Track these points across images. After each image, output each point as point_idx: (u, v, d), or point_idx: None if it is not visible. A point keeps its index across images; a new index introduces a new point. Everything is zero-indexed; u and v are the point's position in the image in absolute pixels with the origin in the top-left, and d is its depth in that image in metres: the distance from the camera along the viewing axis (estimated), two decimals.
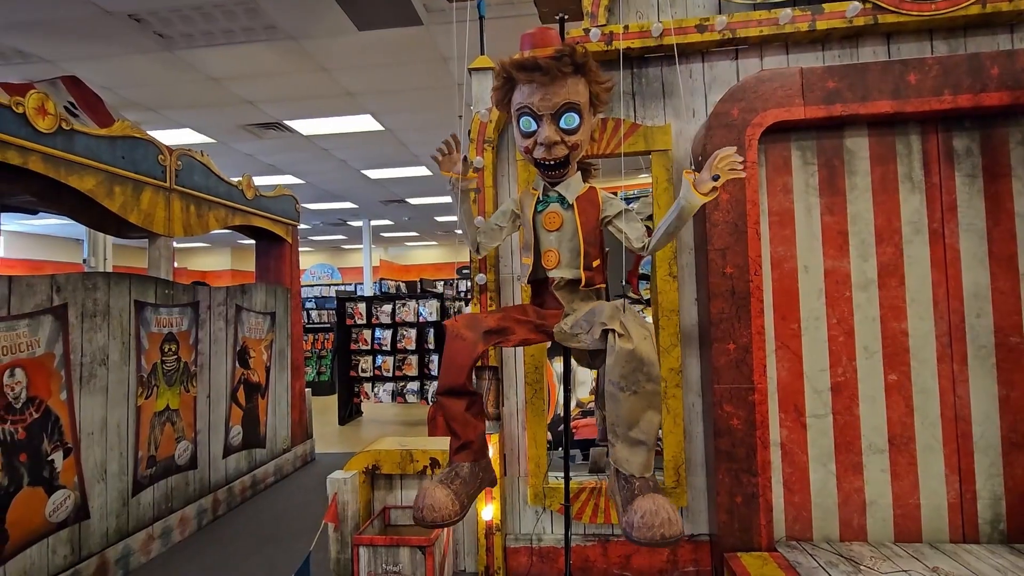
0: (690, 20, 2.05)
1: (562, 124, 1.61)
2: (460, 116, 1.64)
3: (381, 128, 6.46)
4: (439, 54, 4.66)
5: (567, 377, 1.91)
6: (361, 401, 6.33)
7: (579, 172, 1.79)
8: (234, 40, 4.37)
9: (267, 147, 7.05)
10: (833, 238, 1.97)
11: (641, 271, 2.79)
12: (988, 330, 1.92)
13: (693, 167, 1.51)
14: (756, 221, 1.91)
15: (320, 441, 5.29)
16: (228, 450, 3.52)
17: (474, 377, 1.80)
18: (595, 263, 1.73)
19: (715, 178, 1.40)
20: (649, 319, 2.42)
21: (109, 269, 5.68)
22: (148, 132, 6.35)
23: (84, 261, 5.58)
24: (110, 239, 5.99)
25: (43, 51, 4.38)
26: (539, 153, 1.65)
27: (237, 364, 3.64)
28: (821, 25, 2.01)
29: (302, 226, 13.28)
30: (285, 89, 5.28)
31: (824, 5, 2.00)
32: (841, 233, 1.97)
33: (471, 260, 2.17)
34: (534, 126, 1.63)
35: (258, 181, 8.56)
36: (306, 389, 4.83)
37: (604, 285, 1.80)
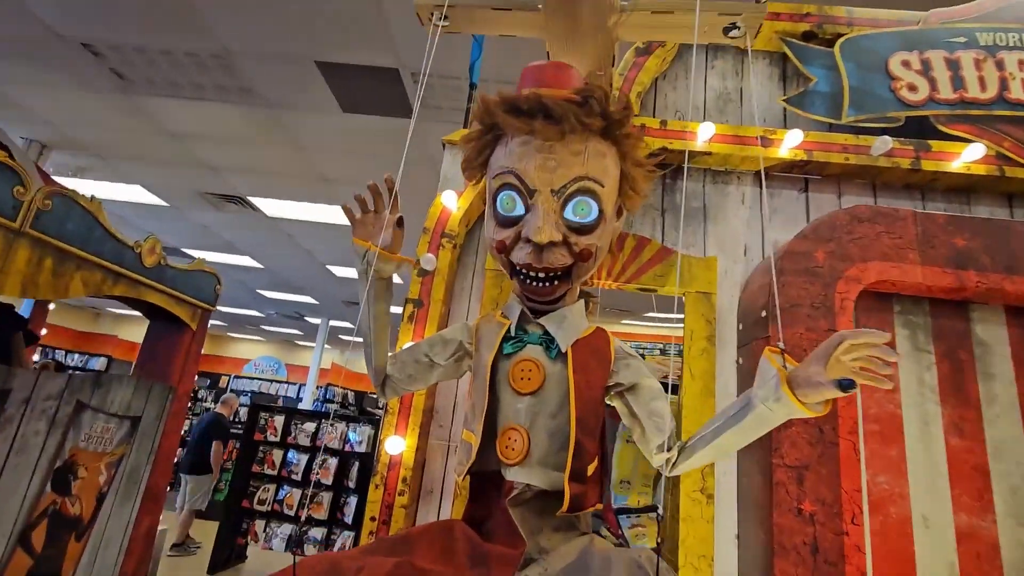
0: (752, 129, 1.50)
1: (569, 214, 0.92)
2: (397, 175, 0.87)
3: None
4: (428, 153, 4.23)
5: None
6: (247, 544, 4.94)
7: (582, 301, 1.08)
8: (203, 96, 3.89)
9: (226, 221, 6.40)
10: (966, 476, 1.23)
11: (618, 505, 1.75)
12: None
13: (782, 344, 0.79)
14: (852, 430, 1.17)
15: None
16: None
17: None
18: (591, 467, 0.95)
19: (843, 384, 0.74)
20: None
21: None
22: (93, 182, 5.69)
23: None
24: None
25: None
26: (522, 255, 0.93)
27: (48, 487, 2.55)
28: (928, 166, 1.47)
29: (253, 313, 12.26)
30: (253, 161, 4.75)
31: (932, 142, 1.49)
32: (978, 470, 1.23)
33: (384, 407, 1.35)
34: (521, 209, 0.93)
35: (211, 258, 7.82)
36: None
37: (600, 507, 1.00)
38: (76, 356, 13.04)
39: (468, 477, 1.00)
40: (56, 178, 5.61)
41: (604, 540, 0.90)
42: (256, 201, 5.64)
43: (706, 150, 1.48)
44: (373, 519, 1.27)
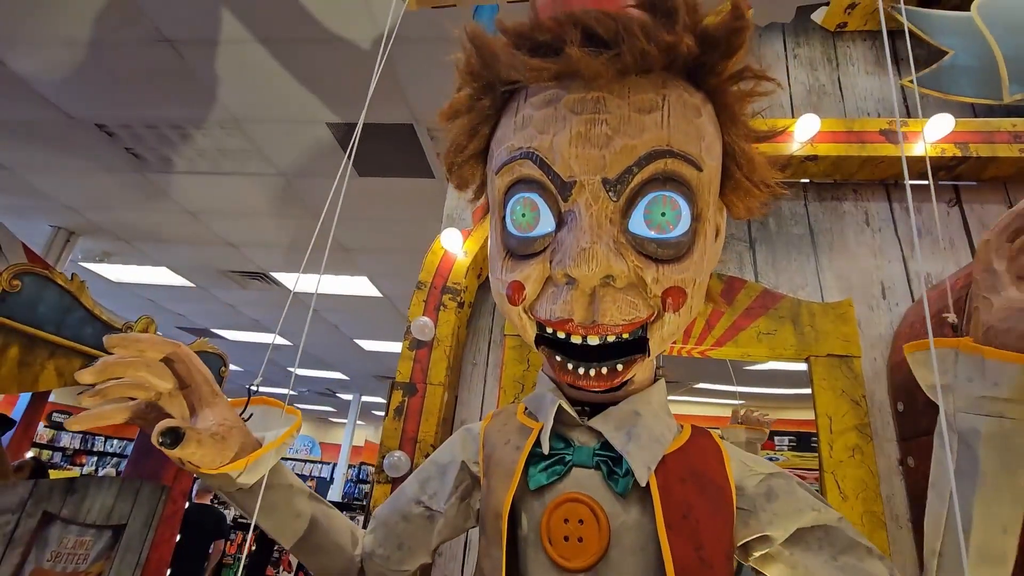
0: (871, 122, 1.07)
1: (638, 224, 0.45)
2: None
3: (379, 295, 5.65)
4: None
5: None
6: None
7: (662, 381, 0.62)
8: (217, 170, 3.76)
9: (251, 299, 6.25)
10: None
11: None
12: None
13: (952, 317, 0.32)
14: None
15: None
16: None
17: None
18: None
19: None
20: None
21: None
22: (121, 266, 5.65)
23: None
24: None
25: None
26: (554, 307, 0.47)
27: None
28: None
29: (288, 392, 12.04)
30: (271, 235, 4.59)
31: None
32: None
33: None
34: (548, 222, 0.48)
35: (240, 337, 7.67)
36: None
37: None
38: (115, 442, 13.00)
39: None
40: (84, 264, 5.62)
41: None
42: (278, 276, 5.46)
43: (809, 153, 1.04)
44: None
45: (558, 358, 0.51)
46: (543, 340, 0.53)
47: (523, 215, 0.51)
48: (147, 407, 0.52)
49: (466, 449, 0.65)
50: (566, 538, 0.51)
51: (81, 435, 11.99)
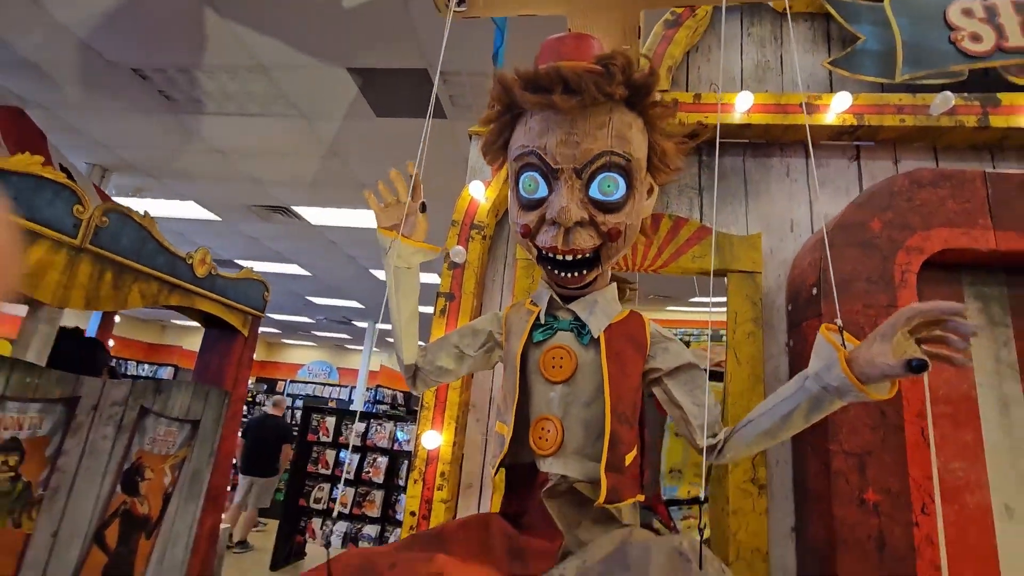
0: (794, 97, 1.41)
1: (595, 191, 0.88)
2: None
3: None
4: (461, 153, 4.25)
5: None
6: (306, 541, 5.11)
7: (614, 284, 1.03)
8: (244, 111, 4.03)
9: (274, 232, 6.64)
10: None
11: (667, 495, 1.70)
12: None
13: (839, 322, 0.71)
14: (920, 413, 1.07)
15: None
16: None
17: None
18: (628, 456, 0.90)
19: (914, 365, 0.66)
20: None
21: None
22: (151, 200, 6.01)
23: None
24: None
25: (39, 96, 4.10)
26: (547, 238, 0.90)
27: (119, 489, 2.70)
28: (997, 122, 1.33)
29: (304, 319, 12.72)
30: (294, 172, 4.90)
31: (1001, 95, 1.35)
32: None
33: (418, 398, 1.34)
34: (544, 190, 0.90)
35: (262, 268, 8.13)
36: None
37: (641, 498, 0.95)
38: (145, 366, 13.83)
39: (503, 471, 0.97)
40: (117, 198, 5.98)
41: (645, 531, 0.86)
42: (300, 211, 5.81)
43: (745, 121, 1.39)
44: (413, 514, 1.26)
45: (549, 267, 0.91)
46: (541, 258, 0.93)
47: (529, 185, 0.90)
48: (386, 205, 1.01)
49: (493, 325, 1.07)
50: (553, 367, 0.94)
51: (115, 359, 12.84)
